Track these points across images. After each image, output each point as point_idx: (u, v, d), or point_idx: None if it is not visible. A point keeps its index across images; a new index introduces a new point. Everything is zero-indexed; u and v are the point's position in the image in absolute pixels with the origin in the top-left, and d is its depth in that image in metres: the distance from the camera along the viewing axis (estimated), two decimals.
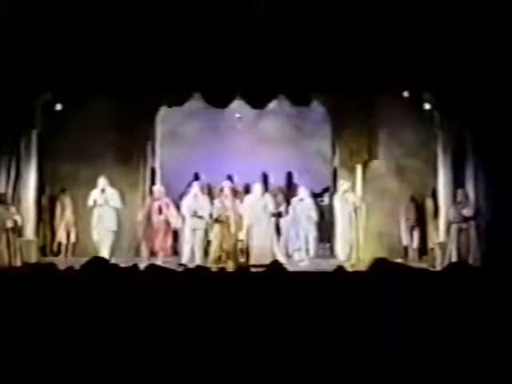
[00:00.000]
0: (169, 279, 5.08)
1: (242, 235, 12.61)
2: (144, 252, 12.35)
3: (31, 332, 4.59)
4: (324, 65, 12.08)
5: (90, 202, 12.31)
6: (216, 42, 11.98)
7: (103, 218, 12.31)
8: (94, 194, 12.32)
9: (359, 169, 12.73)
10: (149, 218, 12.34)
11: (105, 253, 11.84)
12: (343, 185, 12.58)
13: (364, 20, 11.86)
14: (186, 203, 12.38)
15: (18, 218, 11.92)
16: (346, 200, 12.41)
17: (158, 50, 12.04)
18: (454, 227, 12.02)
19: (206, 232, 12.50)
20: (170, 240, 12.49)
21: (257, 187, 12.75)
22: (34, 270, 5.59)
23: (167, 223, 12.35)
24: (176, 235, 12.80)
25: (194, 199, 12.41)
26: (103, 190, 12.32)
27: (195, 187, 12.61)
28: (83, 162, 12.98)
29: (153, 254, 12.25)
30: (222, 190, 12.83)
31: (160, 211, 12.30)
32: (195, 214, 12.26)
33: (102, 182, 12.34)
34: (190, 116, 15.24)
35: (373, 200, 13.01)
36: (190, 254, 12.29)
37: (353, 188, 12.52)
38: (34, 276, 5.26)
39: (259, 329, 4.60)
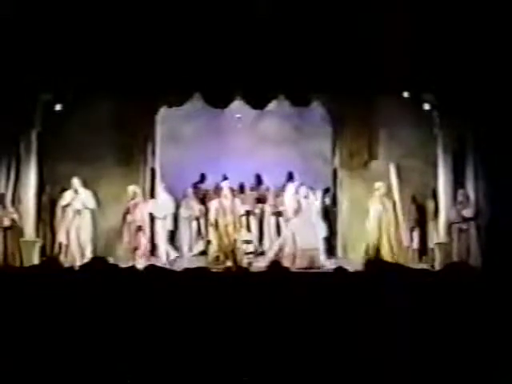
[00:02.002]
0: (168, 279, 5.07)
1: (245, 235, 12.66)
2: (123, 252, 12.33)
3: (31, 331, 4.59)
4: (324, 65, 12.07)
5: (64, 203, 12.41)
6: (216, 42, 11.97)
7: (80, 220, 12.43)
8: (68, 195, 12.43)
9: (392, 169, 12.58)
10: (124, 218, 12.42)
11: (88, 254, 12.07)
12: (380, 188, 12.47)
13: (364, 20, 11.85)
14: (153, 204, 12.46)
15: (15, 216, 11.94)
16: (383, 203, 12.33)
17: (158, 50, 12.03)
18: (454, 228, 12.02)
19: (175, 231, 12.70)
20: (143, 240, 12.47)
21: (302, 189, 12.71)
22: (35, 269, 5.59)
23: (136, 224, 12.39)
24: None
25: (158, 200, 12.52)
26: (76, 191, 12.43)
27: (159, 188, 12.72)
28: (83, 162, 12.96)
29: (132, 253, 12.29)
30: (220, 189, 12.86)
31: (128, 212, 12.36)
32: (157, 215, 12.36)
33: (76, 182, 12.48)
34: (190, 116, 15.19)
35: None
36: (165, 253, 12.36)
37: (389, 190, 12.45)
38: (36, 275, 5.26)
39: (259, 328, 4.60)
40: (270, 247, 12.96)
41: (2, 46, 11.59)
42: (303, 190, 12.65)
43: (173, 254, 12.59)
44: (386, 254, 12.13)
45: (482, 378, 4.29)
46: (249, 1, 11.93)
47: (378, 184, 12.50)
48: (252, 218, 13.98)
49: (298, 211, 12.47)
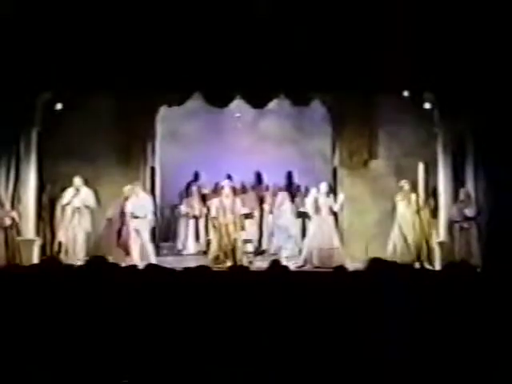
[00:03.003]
0: (168, 278, 5.08)
1: (246, 235, 12.64)
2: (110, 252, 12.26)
3: (31, 329, 4.59)
4: (324, 64, 12.06)
5: (65, 201, 12.44)
6: (216, 42, 11.95)
7: (80, 219, 12.44)
8: (69, 193, 12.44)
9: (421, 166, 12.49)
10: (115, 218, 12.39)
11: (80, 253, 12.18)
12: (405, 185, 12.43)
13: (364, 20, 11.84)
14: (130, 203, 12.37)
15: (14, 214, 11.97)
16: (409, 201, 12.32)
17: (158, 49, 12.02)
18: (455, 226, 12.01)
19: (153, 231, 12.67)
20: (133, 240, 12.29)
21: (323, 186, 12.58)
22: (36, 268, 5.60)
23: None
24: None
25: (136, 199, 12.42)
26: (78, 190, 12.45)
27: (137, 187, 12.65)
28: (83, 161, 12.97)
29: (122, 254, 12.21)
30: (222, 188, 12.83)
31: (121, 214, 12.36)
32: (132, 215, 12.29)
33: (77, 181, 12.49)
34: (189, 115, 15.20)
35: (373, 200, 13.01)
36: (139, 254, 12.26)
37: (414, 188, 12.40)
38: (36, 274, 5.26)
39: (259, 327, 4.60)
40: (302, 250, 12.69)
41: (1, 45, 11.59)
42: (324, 187, 12.56)
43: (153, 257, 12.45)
44: (425, 251, 12.26)
45: (482, 378, 4.29)
46: (249, 1, 11.92)
47: (402, 182, 12.49)
48: (252, 218, 13.97)
49: (318, 211, 12.41)
